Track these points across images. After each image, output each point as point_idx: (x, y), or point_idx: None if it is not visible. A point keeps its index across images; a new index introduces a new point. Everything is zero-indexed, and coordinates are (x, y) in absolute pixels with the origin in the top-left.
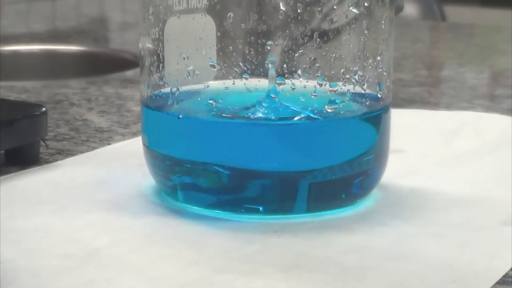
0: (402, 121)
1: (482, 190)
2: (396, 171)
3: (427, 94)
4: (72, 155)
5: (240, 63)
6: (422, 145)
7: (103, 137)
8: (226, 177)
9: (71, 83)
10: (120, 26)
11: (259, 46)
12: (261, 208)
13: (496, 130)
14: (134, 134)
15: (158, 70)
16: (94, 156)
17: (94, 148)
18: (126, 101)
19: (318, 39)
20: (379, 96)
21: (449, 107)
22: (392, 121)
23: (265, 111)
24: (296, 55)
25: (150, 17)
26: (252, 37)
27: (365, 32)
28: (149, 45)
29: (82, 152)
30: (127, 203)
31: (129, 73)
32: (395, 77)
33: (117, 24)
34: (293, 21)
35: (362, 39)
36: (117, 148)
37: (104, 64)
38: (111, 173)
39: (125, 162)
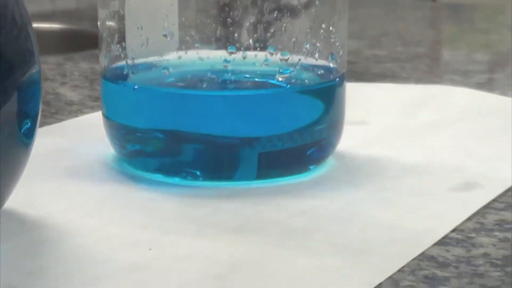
0: (368, 94)
1: (438, 160)
2: (356, 141)
3: (400, 70)
4: (39, 127)
5: (192, 33)
6: (386, 117)
7: (72, 110)
8: (162, 141)
9: (48, 59)
10: None
11: (213, 16)
12: (198, 173)
13: (460, 102)
14: None
15: (114, 42)
16: (60, 127)
17: (61, 120)
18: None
19: (273, 11)
20: (332, 66)
21: (419, 81)
22: (358, 94)
23: (216, 80)
24: (247, 24)
25: None
26: (206, 7)
27: (316, 2)
28: (107, 17)
29: (49, 124)
30: (87, 171)
31: None
32: (370, 54)
33: None
34: None
35: (313, 10)
36: (83, 120)
37: (86, 41)
38: (75, 143)
39: (90, 132)
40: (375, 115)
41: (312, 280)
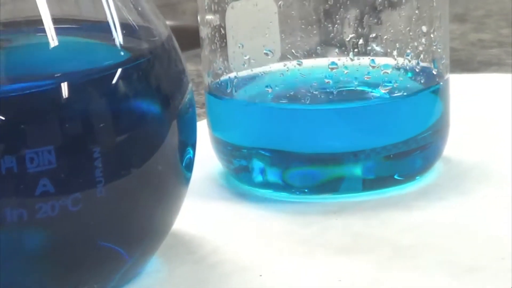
0: (474, 87)
1: None
2: (462, 143)
3: (505, 55)
4: None
5: (293, 50)
6: (496, 113)
7: None
8: (268, 158)
9: None
10: None
11: (312, 31)
12: (306, 190)
13: None
14: None
15: (216, 59)
16: None
17: None
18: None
19: (371, 19)
20: (434, 73)
21: None
22: (462, 88)
23: (319, 95)
24: (347, 39)
25: (206, 7)
26: (304, 22)
27: (416, 12)
28: (208, 35)
29: None
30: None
31: None
32: (475, 38)
33: None
34: (343, 6)
35: (413, 19)
36: None
37: (188, 39)
38: None
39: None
40: (483, 112)
41: None
